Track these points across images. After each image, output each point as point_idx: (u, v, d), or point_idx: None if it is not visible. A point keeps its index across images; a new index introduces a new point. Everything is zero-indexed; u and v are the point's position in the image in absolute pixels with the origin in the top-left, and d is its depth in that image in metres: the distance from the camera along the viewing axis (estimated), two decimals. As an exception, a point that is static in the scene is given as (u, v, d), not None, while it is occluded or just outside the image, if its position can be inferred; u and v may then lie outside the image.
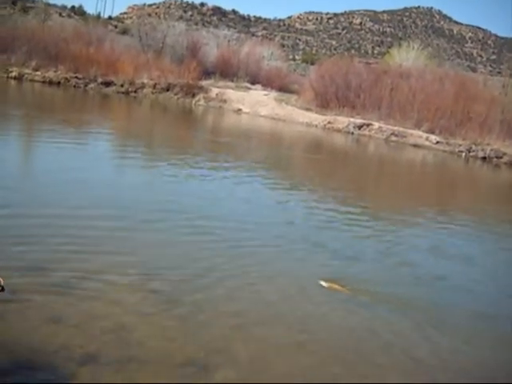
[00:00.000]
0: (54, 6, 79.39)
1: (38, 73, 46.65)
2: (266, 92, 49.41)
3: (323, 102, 44.43)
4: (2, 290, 5.47)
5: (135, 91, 47.02)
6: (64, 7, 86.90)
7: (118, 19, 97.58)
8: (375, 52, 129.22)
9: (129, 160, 18.67)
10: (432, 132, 39.79)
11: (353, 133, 40.11)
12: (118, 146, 22.44)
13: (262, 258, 10.09)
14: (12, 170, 14.94)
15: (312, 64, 66.82)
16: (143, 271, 8.34)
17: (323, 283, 9.12)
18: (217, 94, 46.90)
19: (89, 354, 5.61)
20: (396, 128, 40.07)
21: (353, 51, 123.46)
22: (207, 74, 52.17)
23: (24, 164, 16.58)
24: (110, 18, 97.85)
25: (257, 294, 8.44)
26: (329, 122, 41.42)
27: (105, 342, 5.95)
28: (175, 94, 47.10)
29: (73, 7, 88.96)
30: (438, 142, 38.53)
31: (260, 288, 8.66)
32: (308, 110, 43.99)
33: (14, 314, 5.80)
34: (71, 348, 5.64)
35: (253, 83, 52.33)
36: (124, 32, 69.32)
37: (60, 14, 78.18)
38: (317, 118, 42.14)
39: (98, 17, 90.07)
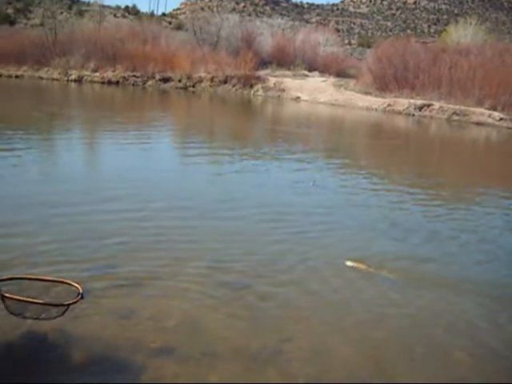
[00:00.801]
0: (109, 7, 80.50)
1: (97, 74, 47.55)
2: (323, 78, 49.14)
3: (382, 85, 43.94)
4: (82, 297, 5.62)
5: (193, 85, 47.39)
6: (118, 7, 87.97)
7: (172, 15, 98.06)
8: (431, 31, 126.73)
9: (193, 153, 18.83)
10: (494, 109, 38.92)
11: (413, 114, 39.56)
12: (181, 140, 22.68)
13: (330, 243, 10.05)
14: (79, 168, 15.30)
15: (368, 47, 66.15)
16: (213, 262, 8.41)
17: (349, 263, 8.92)
18: (275, 84, 46.86)
19: (161, 348, 5.69)
20: (457, 107, 39.35)
21: (408, 31, 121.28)
22: (264, 63, 52.14)
23: (91, 162, 16.95)
24: (163, 14, 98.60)
25: (325, 281, 8.42)
26: (389, 105, 40.98)
27: (176, 335, 6.02)
28: (233, 86, 47.27)
29: (126, 7, 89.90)
30: (501, 119, 37.67)
31: (327, 275, 8.63)
32: (367, 93, 43.61)
33: (88, 312, 5.93)
34: (143, 342, 5.74)
35: (310, 70, 52.10)
36: (178, 28, 69.78)
37: (114, 15, 79.23)
38: (376, 102, 41.75)
39: (152, 15, 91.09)
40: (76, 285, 5.72)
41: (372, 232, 11.00)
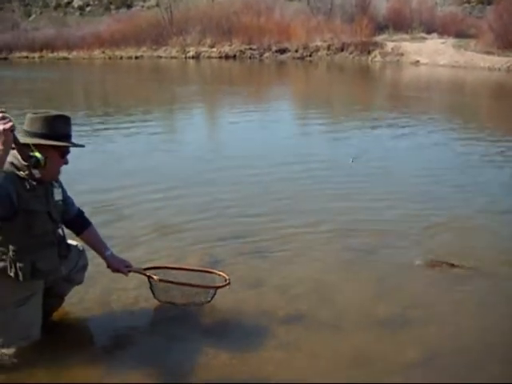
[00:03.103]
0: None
1: (214, 49, 48.33)
2: (442, 40, 47.77)
3: (504, 43, 42.19)
4: (229, 283, 5.70)
5: (310, 55, 47.40)
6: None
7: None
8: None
9: (317, 122, 18.79)
10: None
11: (540, 71, 37.97)
12: (302, 109, 22.74)
13: (456, 205, 9.74)
14: (206, 140, 15.90)
15: (488, 4, 63.44)
16: (340, 226, 8.35)
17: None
18: (392, 48, 46.13)
19: (290, 315, 5.70)
20: None
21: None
22: (380, 28, 51.34)
23: (219, 133, 17.40)
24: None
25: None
26: (512, 64, 39.52)
27: (305, 301, 5.99)
28: (350, 53, 46.91)
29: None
30: None
31: (457, 239, 8.41)
32: (489, 53, 42.05)
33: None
34: (273, 310, 5.76)
35: (428, 32, 50.72)
36: (291, -2, 69.49)
37: (227, -11, 79.67)
38: (499, 61, 40.24)
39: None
40: (223, 274, 5.80)
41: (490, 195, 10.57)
